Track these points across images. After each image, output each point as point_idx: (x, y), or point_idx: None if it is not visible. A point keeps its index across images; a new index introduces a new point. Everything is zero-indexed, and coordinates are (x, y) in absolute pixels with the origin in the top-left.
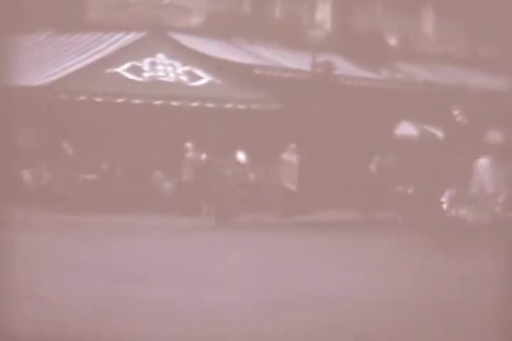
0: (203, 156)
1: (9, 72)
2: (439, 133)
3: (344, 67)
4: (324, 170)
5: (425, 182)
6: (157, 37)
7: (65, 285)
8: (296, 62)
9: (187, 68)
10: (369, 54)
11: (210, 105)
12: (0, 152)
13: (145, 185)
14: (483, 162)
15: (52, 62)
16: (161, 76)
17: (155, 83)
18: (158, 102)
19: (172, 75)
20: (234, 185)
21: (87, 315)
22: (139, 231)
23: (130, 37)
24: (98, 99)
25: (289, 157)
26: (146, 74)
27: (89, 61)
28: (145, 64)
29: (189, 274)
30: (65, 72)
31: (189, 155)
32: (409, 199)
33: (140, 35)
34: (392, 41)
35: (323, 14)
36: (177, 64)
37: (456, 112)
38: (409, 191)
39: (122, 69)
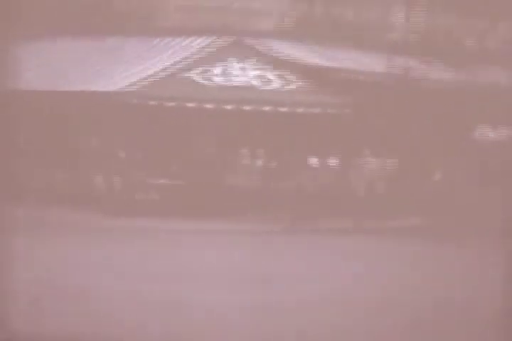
0: (275, 160)
1: (80, 77)
2: None
3: (421, 70)
4: (399, 174)
5: (503, 186)
6: (228, 41)
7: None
8: (371, 64)
9: (259, 72)
10: (446, 56)
11: (282, 109)
12: (69, 157)
13: (215, 190)
14: None
15: (122, 67)
16: (232, 80)
17: (226, 87)
18: (229, 107)
19: (244, 79)
20: (306, 190)
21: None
22: (205, 236)
23: (201, 41)
24: (169, 104)
25: (364, 161)
26: (217, 79)
27: (160, 66)
28: (216, 68)
29: (262, 280)
30: (135, 77)
31: (261, 159)
32: (486, 204)
33: (211, 39)
34: (470, 43)
35: (400, 16)
36: (249, 68)
37: None
38: (486, 195)
39: (193, 74)
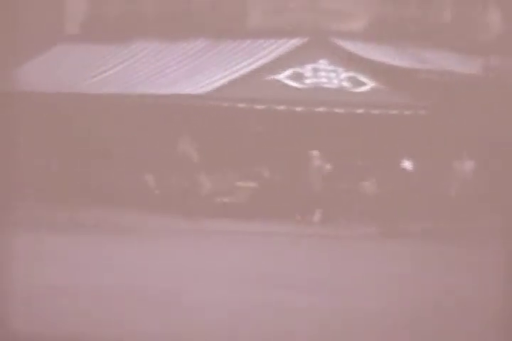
0: (371, 163)
1: (168, 80)
2: None
3: (505, 71)
4: (491, 177)
5: None
6: (319, 42)
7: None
8: (465, 66)
9: (350, 74)
10: None
11: (374, 111)
12: (163, 160)
13: (304, 192)
14: None
15: (213, 69)
16: (323, 82)
17: (317, 90)
18: (320, 109)
19: (335, 81)
20: (397, 193)
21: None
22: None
23: (291, 43)
24: (259, 107)
25: (459, 164)
26: (308, 81)
27: (249, 68)
28: (307, 70)
29: (349, 283)
30: (225, 80)
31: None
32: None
33: (302, 41)
34: None
35: (494, 16)
36: (340, 70)
37: None
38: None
39: (283, 76)
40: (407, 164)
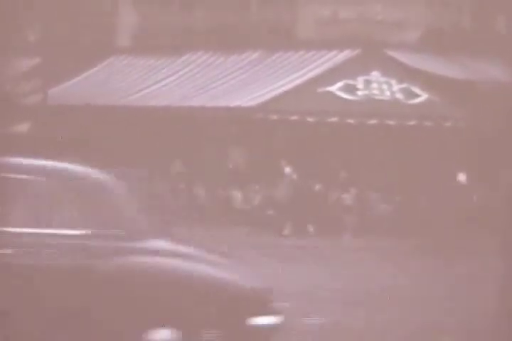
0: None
1: (218, 92)
2: None
3: None
4: None
5: None
6: (372, 54)
7: None
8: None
9: (403, 85)
10: None
11: (428, 123)
12: (211, 173)
13: (358, 205)
14: None
15: (263, 81)
16: (375, 94)
17: (369, 101)
18: (372, 121)
19: (388, 93)
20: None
21: None
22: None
23: (343, 55)
24: (310, 119)
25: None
26: (360, 93)
27: (301, 80)
28: (359, 82)
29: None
30: (276, 92)
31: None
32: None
33: (353, 52)
34: None
35: None
36: (393, 81)
37: None
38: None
39: (335, 88)
40: (462, 177)
